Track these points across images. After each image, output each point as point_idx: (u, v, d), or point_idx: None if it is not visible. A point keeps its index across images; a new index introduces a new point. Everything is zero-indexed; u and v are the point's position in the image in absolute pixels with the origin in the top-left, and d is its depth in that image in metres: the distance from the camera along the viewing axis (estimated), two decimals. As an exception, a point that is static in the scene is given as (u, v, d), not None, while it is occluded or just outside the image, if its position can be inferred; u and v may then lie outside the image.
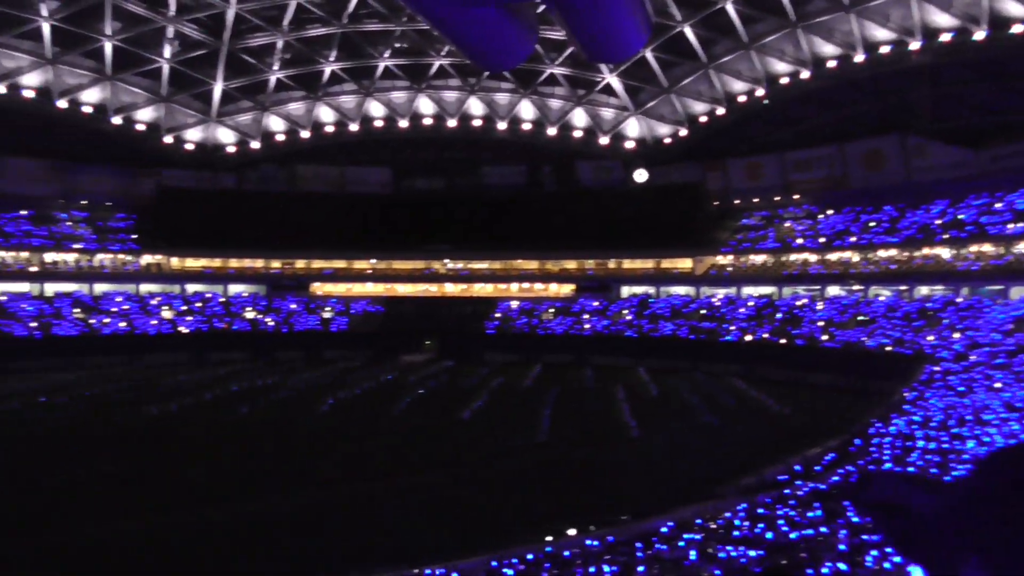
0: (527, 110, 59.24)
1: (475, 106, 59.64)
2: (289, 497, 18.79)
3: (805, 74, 51.27)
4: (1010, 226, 42.44)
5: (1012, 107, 45.60)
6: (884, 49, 47.93)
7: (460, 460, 22.91)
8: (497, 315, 56.00)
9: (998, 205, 44.82)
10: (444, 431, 27.33)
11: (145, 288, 56.87)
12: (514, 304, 57.25)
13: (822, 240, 50.71)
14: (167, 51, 52.76)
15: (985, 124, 46.84)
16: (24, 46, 50.83)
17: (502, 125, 59.88)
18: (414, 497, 19.03)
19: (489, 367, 46.34)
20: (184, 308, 55.30)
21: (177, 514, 17.01)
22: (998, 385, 29.78)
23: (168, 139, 59.78)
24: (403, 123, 60.92)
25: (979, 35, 44.18)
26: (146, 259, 58.39)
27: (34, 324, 49.09)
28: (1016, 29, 43.31)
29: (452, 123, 60.19)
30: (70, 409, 31.42)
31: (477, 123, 60.47)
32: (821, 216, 52.88)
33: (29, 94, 53.06)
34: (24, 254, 54.54)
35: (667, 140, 58.04)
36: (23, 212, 56.58)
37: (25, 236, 55.32)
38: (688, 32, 49.54)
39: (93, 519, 16.47)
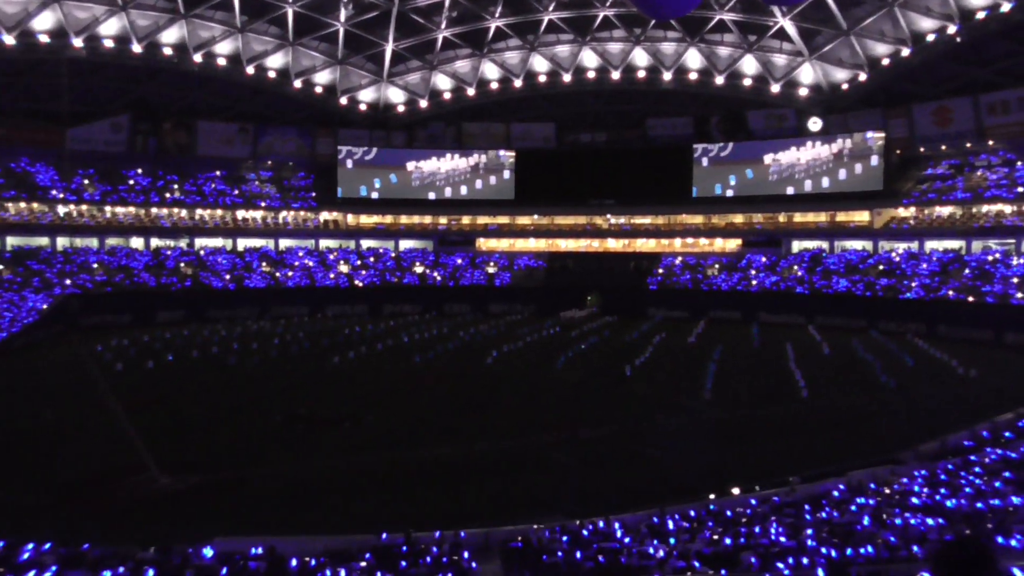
0: (694, 59, 61.43)
1: (640, 57, 62.53)
2: (460, 447, 20.41)
3: (1006, 7, 50.31)
4: None
5: None
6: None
7: (622, 416, 24.07)
8: (660, 271, 59.09)
9: None
10: (605, 387, 28.90)
11: (324, 243, 65.10)
12: (678, 260, 60.16)
13: (1020, 189, 49.94)
14: (342, 15, 59.59)
15: None
16: (217, 16, 59.27)
17: (668, 76, 62.45)
18: (577, 451, 20.23)
19: (652, 323, 49.31)
20: (359, 263, 62.92)
21: (363, 457, 19.34)
22: None
23: (343, 100, 67.31)
24: (567, 77, 64.89)
25: None
26: (324, 216, 67.02)
27: (228, 276, 58.12)
28: None
29: (616, 75, 63.45)
30: (263, 356, 36.15)
31: (642, 75, 63.34)
32: (1020, 163, 51.74)
33: (222, 62, 61.78)
34: (219, 212, 64.12)
35: (844, 86, 58.36)
36: (218, 173, 66.51)
37: (220, 195, 65.13)
38: (871, -33, 50.02)
39: (288, 459, 19.26)
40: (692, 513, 14.26)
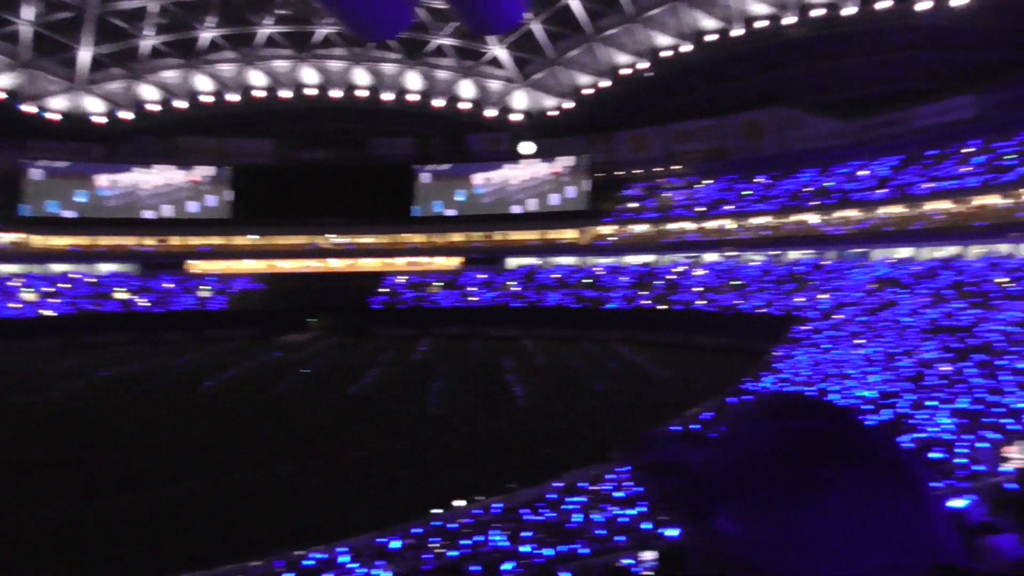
0: (414, 81, 68.49)
1: (361, 76, 68.49)
2: (174, 484, 20.33)
3: (687, 47, 62.56)
4: (874, 192, 52.76)
5: (882, 79, 57.40)
6: (761, 23, 59.50)
7: (347, 437, 25.40)
8: (384, 290, 63.85)
9: (862, 173, 56.82)
10: (331, 407, 30.49)
11: (4, 269, 63.14)
12: (401, 278, 65.38)
13: (700, 209, 60.40)
14: (29, 12, 59.51)
15: (856, 96, 58.85)
16: None
17: (388, 96, 68.88)
18: (302, 477, 20.74)
19: (377, 342, 53.01)
20: (49, 289, 62.11)
21: (72, 505, 18.82)
22: (860, 341, 38.04)
23: (30, 108, 66.58)
24: (286, 93, 68.97)
25: (849, 10, 56.18)
26: (3, 237, 64.92)
27: None
28: (881, 4, 55.34)
29: (337, 93, 68.72)
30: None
31: (363, 94, 69.23)
32: (699, 186, 62.84)
33: None
34: None
35: (553, 112, 68.56)
36: None
37: None
38: (575, 5, 60.00)
39: None
40: (417, 530, 15.34)
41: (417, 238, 68.63)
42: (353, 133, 70.46)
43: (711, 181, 63.16)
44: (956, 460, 18.39)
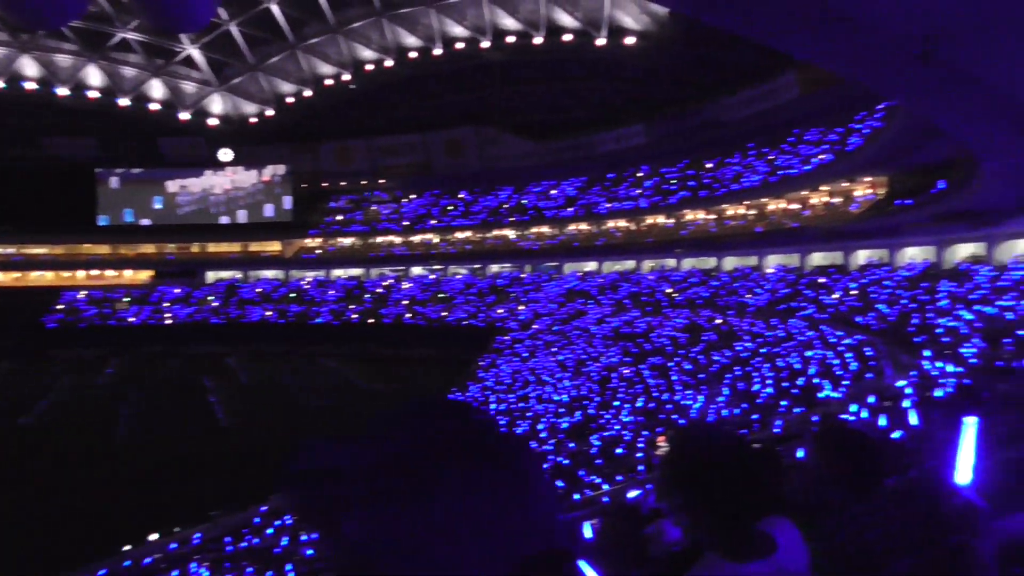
0: (95, 76, 63.81)
1: (29, 66, 62.66)
2: None
3: (389, 62, 64.87)
4: (564, 210, 58.70)
5: (569, 105, 64.02)
6: (460, 44, 63.40)
7: (19, 472, 24.12)
8: (60, 306, 58.86)
9: (553, 192, 63.24)
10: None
11: None
12: (81, 293, 60.47)
13: (406, 223, 62.68)
14: None
15: (548, 119, 65.20)
16: None
17: (64, 91, 64.01)
18: None
19: (53, 366, 49.24)
20: None
21: None
22: (554, 350, 41.80)
23: None
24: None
25: (538, 39, 62.12)
26: None
27: None
28: (567, 37, 61.98)
29: (0, 84, 62.62)
30: None
31: (32, 86, 63.64)
32: (405, 200, 65.19)
33: None
34: None
35: (254, 119, 67.51)
36: None
37: None
38: (276, 10, 60.05)
39: None
40: (103, 572, 14.72)
41: (101, 249, 64.09)
42: (23, 130, 64.17)
43: (416, 195, 66.33)
44: (636, 455, 22.53)
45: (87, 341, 55.39)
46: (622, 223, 54.87)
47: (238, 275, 63.83)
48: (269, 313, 58.29)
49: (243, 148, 66.36)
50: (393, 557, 0.73)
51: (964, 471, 2.68)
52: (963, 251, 34.59)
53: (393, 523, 0.74)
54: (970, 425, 2.94)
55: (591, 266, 54.33)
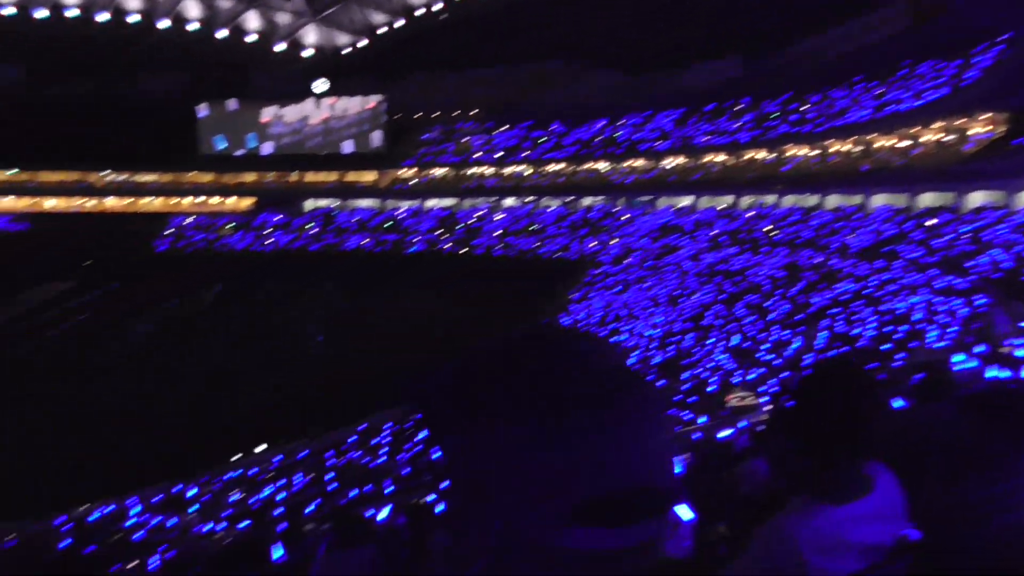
0: (193, 8, 65.13)
1: (132, 0, 64.78)
2: None
3: (484, -10, 64.93)
4: (658, 143, 57.94)
5: (663, 37, 62.65)
6: (553, -26, 62.78)
7: (134, 384, 25.60)
8: (168, 232, 62.16)
9: (648, 124, 62.57)
10: (109, 358, 30.44)
11: None
12: (188, 219, 63.50)
13: (498, 155, 63.24)
14: None
15: (640, 52, 63.90)
16: None
17: (164, 24, 65.56)
18: (79, 429, 21.11)
19: (162, 287, 50.67)
20: None
21: None
22: (646, 285, 42.15)
23: None
24: (40, 13, 64.04)
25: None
26: None
27: None
28: None
29: (103, 17, 64.39)
30: None
31: (134, 19, 65.54)
32: (497, 132, 65.56)
33: None
34: None
35: (347, 50, 68.85)
36: None
37: None
38: (369, -62, 60.07)
39: None
40: (216, 479, 15.76)
41: (206, 177, 66.69)
42: (125, 64, 66.00)
43: (508, 128, 66.44)
44: (727, 394, 22.53)
45: (193, 265, 57.38)
46: (720, 157, 53.64)
47: (335, 204, 65.25)
48: (365, 241, 59.62)
49: (337, 79, 67.13)
50: (492, 474, 0.78)
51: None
52: (1087, 194, 32.84)
53: (493, 441, 0.78)
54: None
55: (686, 201, 53.54)
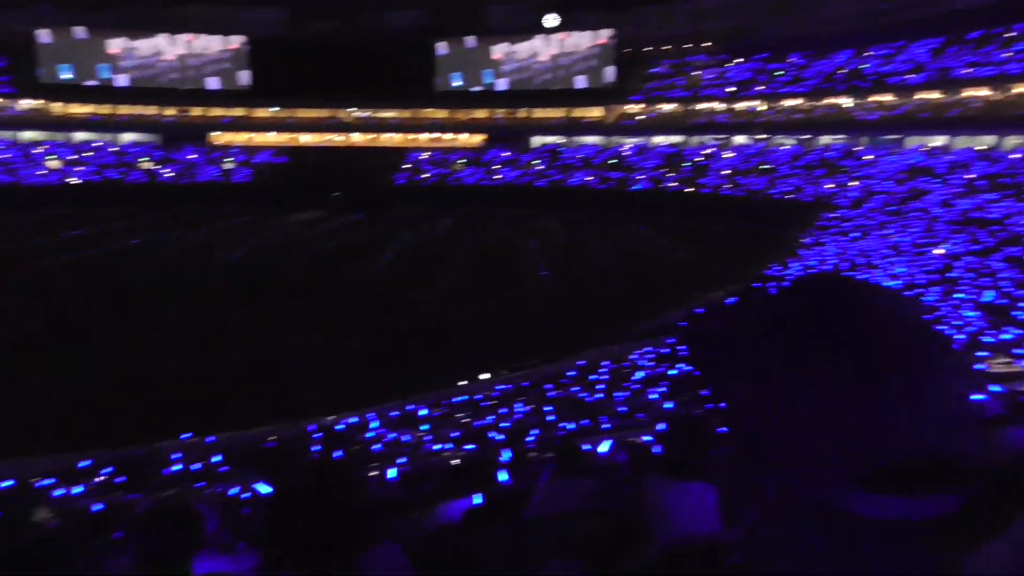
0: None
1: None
2: (197, 352, 21.11)
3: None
4: (909, 76, 53.03)
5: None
6: None
7: (371, 311, 26.46)
8: (407, 166, 65.25)
9: (898, 55, 57.37)
10: (353, 283, 31.76)
11: (27, 136, 64.73)
12: (424, 155, 66.65)
13: (730, 89, 61.00)
14: None
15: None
16: None
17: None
18: (328, 347, 21.73)
19: (399, 219, 54.08)
20: (72, 157, 63.76)
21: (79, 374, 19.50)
22: (888, 231, 38.73)
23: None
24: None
25: None
26: (25, 103, 66.28)
27: None
28: None
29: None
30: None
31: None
32: (729, 65, 62.90)
33: None
34: None
35: (581, -17, 68.29)
36: None
37: None
38: None
39: None
40: (444, 401, 16.21)
41: (440, 114, 69.63)
42: (365, 4, 69.62)
43: (741, 60, 63.41)
44: (975, 352, 20.52)
45: (426, 198, 60.61)
46: (983, 92, 48.09)
47: (561, 140, 65.91)
48: (589, 178, 59.89)
49: (568, 14, 67.04)
50: (777, 429, 0.75)
51: None
52: None
53: (767, 392, 0.75)
54: None
55: (939, 141, 48.78)
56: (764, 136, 57.97)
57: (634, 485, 3.68)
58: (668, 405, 14.10)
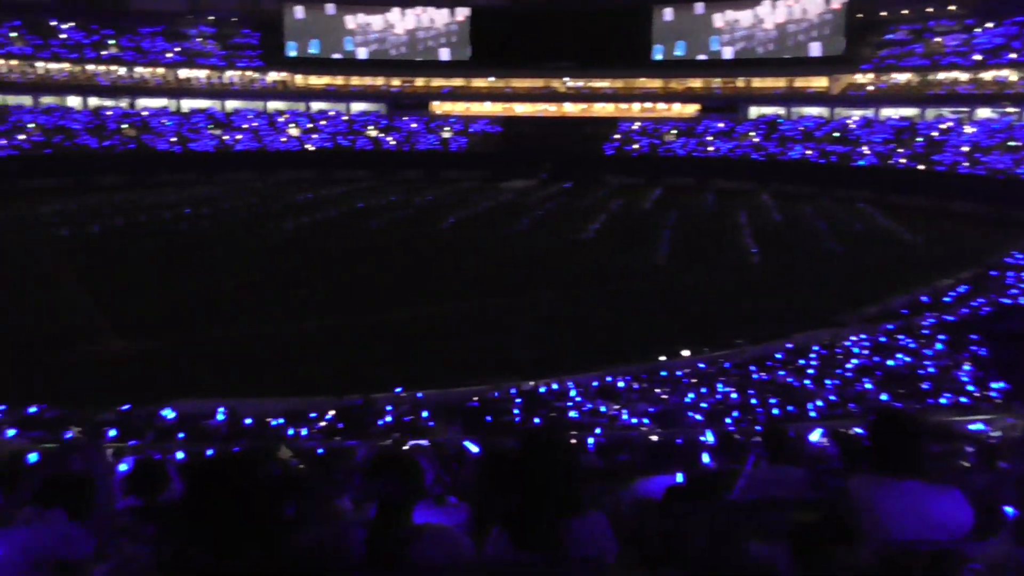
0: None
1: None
2: (415, 310, 22.14)
3: None
4: None
5: None
6: None
7: (576, 280, 26.75)
8: (617, 136, 64.72)
9: None
10: (561, 251, 32.21)
11: (272, 106, 70.15)
12: (635, 125, 65.81)
13: (976, 57, 55.52)
14: None
15: None
16: None
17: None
18: (532, 313, 22.23)
19: (608, 189, 54.51)
20: (310, 126, 68.45)
21: (316, 322, 20.93)
22: None
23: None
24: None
25: None
26: (272, 76, 72.42)
27: (173, 139, 62.45)
28: None
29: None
30: (214, 222, 39.18)
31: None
32: (978, 30, 57.09)
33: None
34: (160, 70, 67.40)
35: (811, -56, 64.23)
36: (156, 28, 71.44)
37: (160, 52, 69.92)
38: None
39: (237, 323, 20.73)
40: (644, 375, 15.97)
41: (653, 83, 68.45)
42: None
43: (992, 24, 57.37)
44: None
45: (637, 169, 60.31)
46: None
47: (780, 111, 63.15)
48: (809, 152, 57.21)
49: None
50: None
51: None
52: None
53: None
54: None
55: None
56: (1014, 110, 52.43)
57: (845, 479, 3.72)
58: (883, 397, 13.47)
